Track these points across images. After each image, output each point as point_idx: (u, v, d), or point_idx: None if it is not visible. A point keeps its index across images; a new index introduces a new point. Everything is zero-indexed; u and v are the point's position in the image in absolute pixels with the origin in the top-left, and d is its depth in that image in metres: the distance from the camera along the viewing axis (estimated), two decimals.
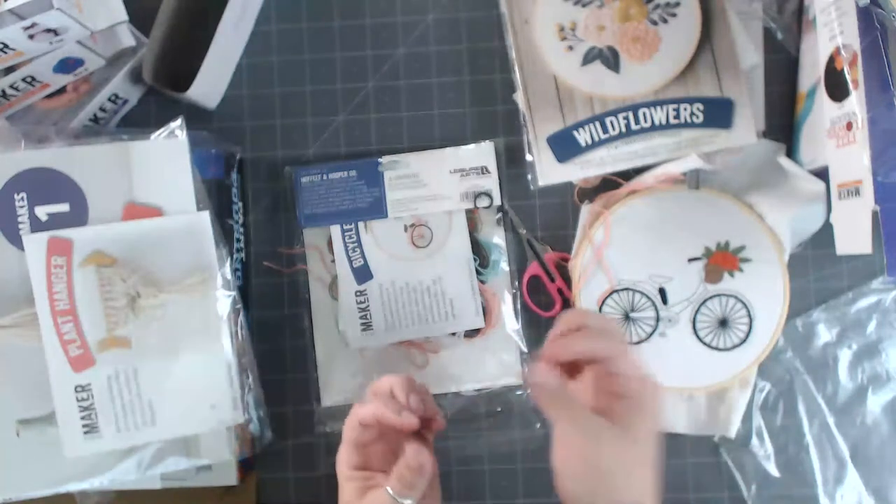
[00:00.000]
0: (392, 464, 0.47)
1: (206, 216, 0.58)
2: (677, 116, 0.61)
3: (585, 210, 0.64)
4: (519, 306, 0.64)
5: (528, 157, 0.63)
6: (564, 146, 0.62)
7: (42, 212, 0.56)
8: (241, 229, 0.65)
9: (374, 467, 0.49)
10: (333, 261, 0.64)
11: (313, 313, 0.64)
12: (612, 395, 0.45)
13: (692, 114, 0.61)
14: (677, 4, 0.61)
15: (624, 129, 0.62)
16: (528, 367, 0.48)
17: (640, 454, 0.45)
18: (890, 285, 0.63)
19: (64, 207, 0.57)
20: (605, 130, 0.62)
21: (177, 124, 0.59)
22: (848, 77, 0.52)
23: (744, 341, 0.61)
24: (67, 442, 0.55)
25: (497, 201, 0.64)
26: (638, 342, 0.62)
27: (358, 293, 0.64)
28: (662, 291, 0.62)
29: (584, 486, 0.44)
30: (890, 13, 0.48)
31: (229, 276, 0.59)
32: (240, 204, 0.65)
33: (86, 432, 0.55)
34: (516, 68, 0.62)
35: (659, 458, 0.46)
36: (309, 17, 0.67)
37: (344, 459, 0.50)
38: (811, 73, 0.61)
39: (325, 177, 0.65)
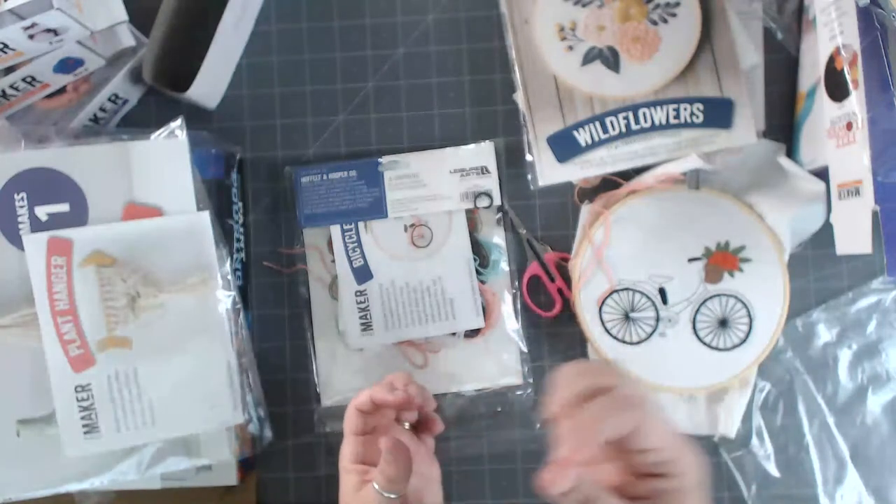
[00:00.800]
0: None
1: (206, 216, 0.58)
2: (677, 116, 0.61)
3: (585, 210, 0.64)
4: (519, 306, 0.64)
5: (528, 157, 0.63)
6: (564, 146, 0.62)
7: (42, 212, 0.56)
8: (241, 229, 0.65)
9: (374, 461, 0.50)
10: (333, 261, 0.64)
11: (313, 313, 0.64)
12: (644, 475, 0.39)
13: (692, 114, 0.61)
14: (677, 4, 0.61)
15: (624, 129, 0.62)
16: (545, 475, 0.37)
17: None
18: (890, 285, 0.63)
19: (64, 207, 0.57)
20: (605, 130, 0.62)
21: (177, 124, 0.59)
22: (848, 77, 0.52)
23: (744, 341, 0.61)
24: (67, 442, 0.55)
25: (497, 201, 0.64)
26: (638, 342, 0.62)
27: (358, 293, 0.64)
28: (662, 291, 0.62)
29: None
30: (890, 13, 0.48)
31: (229, 276, 0.59)
32: (240, 204, 0.65)
33: (86, 432, 0.55)
34: (516, 68, 0.62)
35: None
36: (309, 17, 0.67)
37: (345, 452, 0.51)
38: (811, 73, 0.61)
39: (325, 177, 0.65)
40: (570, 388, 0.38)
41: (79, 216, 0.57)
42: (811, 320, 0.63)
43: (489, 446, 0.64)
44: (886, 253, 0.50)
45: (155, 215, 0.57)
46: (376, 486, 0.47)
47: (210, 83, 0.64)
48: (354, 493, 0.48)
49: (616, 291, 0.62)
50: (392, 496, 0.47)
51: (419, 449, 0.53)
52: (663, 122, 0.61)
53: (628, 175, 0.64)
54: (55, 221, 0.56)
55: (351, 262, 0.64)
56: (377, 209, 0.64)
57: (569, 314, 0.63)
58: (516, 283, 0.64)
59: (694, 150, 0.61)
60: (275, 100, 0.67)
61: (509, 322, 0.64)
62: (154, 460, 0.57)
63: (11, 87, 0.60)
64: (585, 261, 0.63)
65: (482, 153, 0.64)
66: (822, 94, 0.55)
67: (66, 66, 0.60)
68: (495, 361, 0.63)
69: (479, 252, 0.64)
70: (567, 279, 0.64)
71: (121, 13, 0.59)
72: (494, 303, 0.64)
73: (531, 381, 0.63)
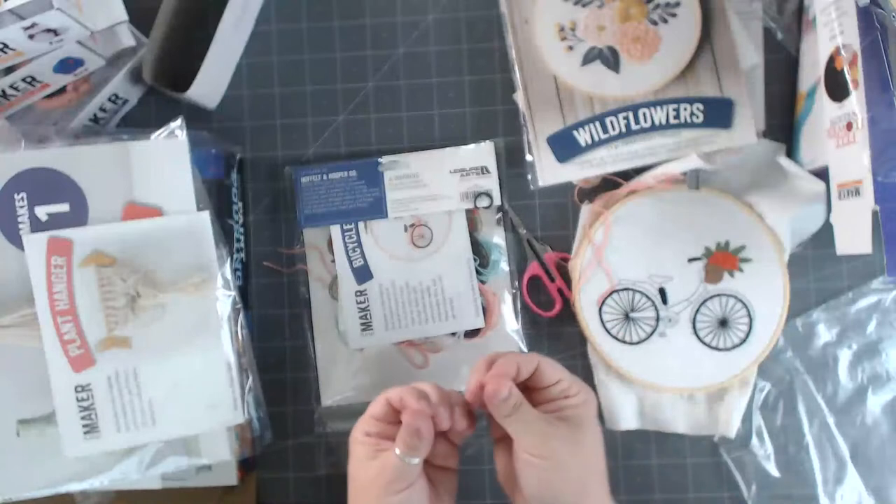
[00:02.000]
0: None
1: (206, 216, 0.58)
2: (677, 116, 0.61)
3: (585, 210, 0.64)
4: (519, 306, 0.64)
5: (528, 157, 0.63)
6: (564, 146, 0.62)
7: (42, 212, 0.56)
8: (241, 229, 0.65)
9: (388, 437, 0.50)
10: (333, 261, 0.64)
11: (313, 313, 0.64)
12: (555, 403, 0.49)
13: (692, 114, 0.61)
14: (677, 4, 0.61)
15: (624, 129, 0.62)
16: (471, 389, 0.50)
17: (594, 448, 0.49)
18: (890, 285, 0.63)
19: (64, 207, 0.57)
20: (605, 130, 0.62)
21: (177, 124, 0.59)
22: (848, 77, 0.52)
23: (744, 341, 0.61)
24: (67, 442, 0.55)
25: (497, 201, 0.64)
26: (638, 342, 0.62)
27: (358, 293, 0.64)
28: (662, 291, 0.62)
29: (549, 488, 0.47)
30: (890, 13, 0.48)
31: (229, 276, 0.59)
32: (240, 204, 0.65)
33: (86, 432, 0.55)
34: (516, 68, 0.62)
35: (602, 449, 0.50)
36: (309, 17, 0.67)
37: (360, 427, 0.50)
38: (811, 73, 0.61)
39: (325, 177, 0.65)
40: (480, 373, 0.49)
41: (79, 216, 0.57)
42: (811, 320, 0.63)
43: (489, 446, 0.64)
44: (886, 253, 0.50)
45: (155, 215, 0.57)
46: (397, 452, 0.47)
47: (210, 83, 0.64)
48: (367, 461, 0.48)
49: (616, 291, 0.62)
50: (413, 461, 0.47)
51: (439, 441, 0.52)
52: (663, 122, 0.61)
53: (628, 175, 0.64)
54: (55, 221, 0.56)
55: (351, 262, 0.64)
56: (377, 209, 0.64)
57: (569, 314, 0.63)
58: (516, 283, 0.64)
59: (694, 150, 0.61)
60: (275, 100, 0.67)
61: (509, 322, 0.64)
62: (154, 460, 0.57)
63: (11, 87, 0.60)
64: (585, 261, 0.63)
65: (482, 153, 0.64)
66: (822, 94, 0.55)
67: (66, 66, 0.60)
68: None
69: (479, 252, 0.64)
70: (567, 279, 0.64)
71: (121, 13, 0.59)
72: (494, 303, 0.64)
73: None
